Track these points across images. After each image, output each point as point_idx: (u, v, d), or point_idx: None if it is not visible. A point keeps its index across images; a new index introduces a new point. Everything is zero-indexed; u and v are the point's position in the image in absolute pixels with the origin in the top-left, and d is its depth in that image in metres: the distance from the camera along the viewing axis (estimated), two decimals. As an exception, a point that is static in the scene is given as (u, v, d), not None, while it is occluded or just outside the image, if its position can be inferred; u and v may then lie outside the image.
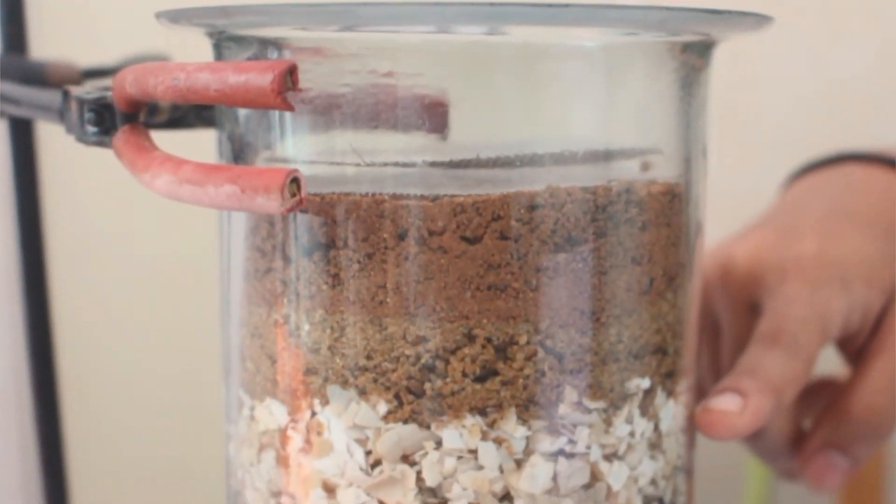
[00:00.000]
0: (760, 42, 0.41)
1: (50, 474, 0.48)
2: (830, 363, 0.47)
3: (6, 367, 0.67)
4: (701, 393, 0.41)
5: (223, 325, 0.39)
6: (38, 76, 0.45)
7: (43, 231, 0.49)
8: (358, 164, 0.34)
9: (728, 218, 0.51)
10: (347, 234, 0.35)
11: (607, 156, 0.36)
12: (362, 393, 0.35)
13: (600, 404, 0.36)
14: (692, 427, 0.40)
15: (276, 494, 0.37)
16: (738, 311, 0.45)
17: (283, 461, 0.37)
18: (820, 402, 0.46)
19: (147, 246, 0.83)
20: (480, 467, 0.35)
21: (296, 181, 0.33)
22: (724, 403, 0.39)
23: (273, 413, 0.37)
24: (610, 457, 0.36)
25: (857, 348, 0.44)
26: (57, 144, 0.46)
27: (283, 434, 0.37)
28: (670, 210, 0.37)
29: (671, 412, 0.38)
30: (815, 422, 0.43)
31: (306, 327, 0.36)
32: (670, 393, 0.38)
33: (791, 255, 0.43)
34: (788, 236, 0.45)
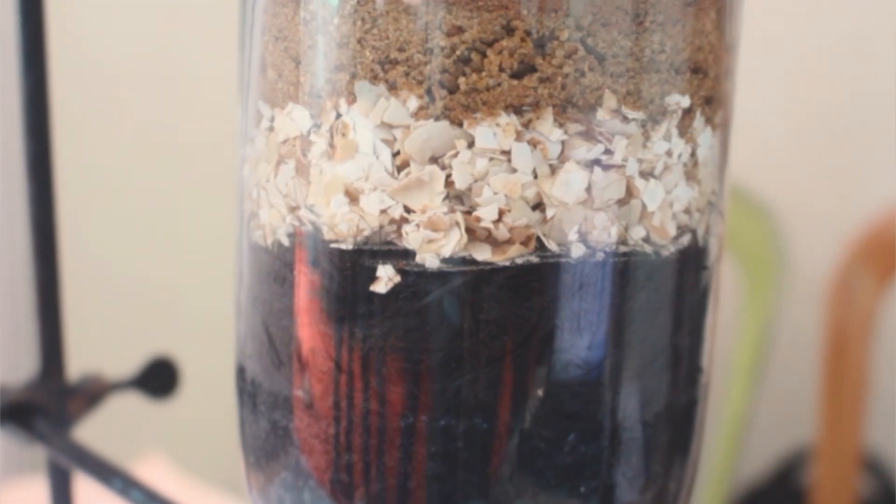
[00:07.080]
0: None
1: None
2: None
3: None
4: None
5: (242, 40, 0.38)
6: None
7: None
8: None
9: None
10: (383, -82, 0.33)
11: None
12: (392, 88, 0.33)
13: (639, 115, 0.34)
14: (726, 163, 0.38)
15: (294, 209, 0.36)
16: None
17: (302, 170, 0.35)
18: None
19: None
20: (513, 170, 0.33)
21: None
22: None
23: (295, 119, 0.35)
24: (646, 174, 0.35)
25: None
26: None
27: (304, 140, 0.35)
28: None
29: (709, 140, 0.36)
30: None
31: (335, 21, 0.34)
32: (708, 120, 0.36)
33: None
34: None
